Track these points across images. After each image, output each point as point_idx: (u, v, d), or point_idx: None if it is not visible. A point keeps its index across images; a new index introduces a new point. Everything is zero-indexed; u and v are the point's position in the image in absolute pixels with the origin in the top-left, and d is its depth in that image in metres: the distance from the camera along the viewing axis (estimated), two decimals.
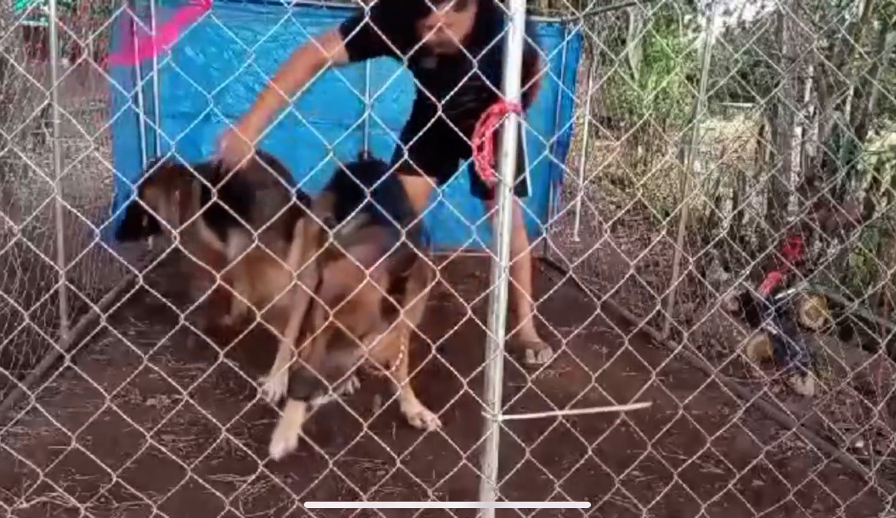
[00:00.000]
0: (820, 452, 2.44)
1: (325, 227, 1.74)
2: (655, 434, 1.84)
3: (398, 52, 1.54)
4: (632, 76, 6.28)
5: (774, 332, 3.16)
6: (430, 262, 1.59)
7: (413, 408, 2.56)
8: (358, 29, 2.11)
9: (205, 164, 3.03)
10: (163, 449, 1.88)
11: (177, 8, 4.10)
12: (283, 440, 2.26)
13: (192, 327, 1.41)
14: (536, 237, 4.44)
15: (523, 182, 2.90)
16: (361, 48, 2.56)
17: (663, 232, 1.72)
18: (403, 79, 3.82)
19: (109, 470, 1.61)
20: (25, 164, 3.54)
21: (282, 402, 2.38)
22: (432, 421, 2.49)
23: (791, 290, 3.29)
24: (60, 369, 2.58)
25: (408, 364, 2.44)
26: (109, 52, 3.79)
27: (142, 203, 2.87)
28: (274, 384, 2.61)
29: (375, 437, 1.96)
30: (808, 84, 4.21)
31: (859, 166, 3.84)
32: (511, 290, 1.36)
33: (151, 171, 2.82)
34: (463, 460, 1.52)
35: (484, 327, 1.35)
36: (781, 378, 3.03)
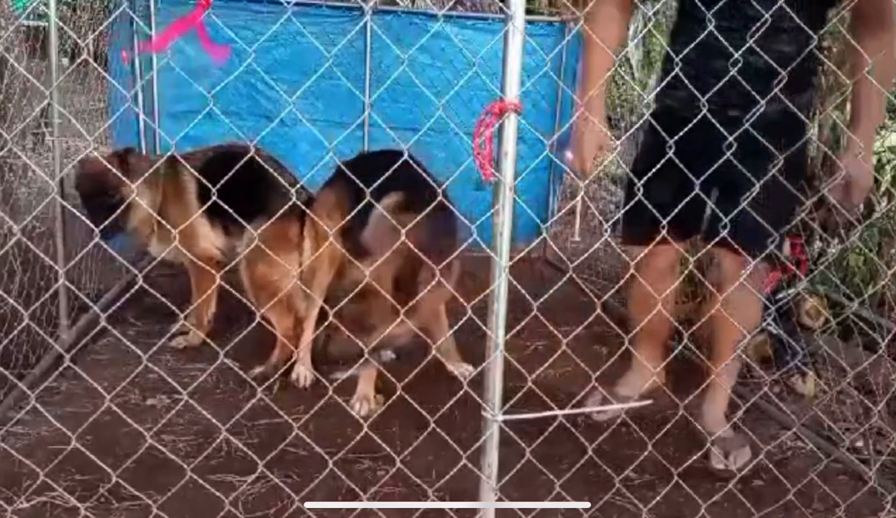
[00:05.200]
0: (820, 452, 2.44)
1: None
2: (655, 434, 1.84)
3: None
4: (632, 76, 6.27)
5: (774, 331, 3.16)
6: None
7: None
8: None
9: (191, 153, 3.03)
10: (163, 449, 1.88)
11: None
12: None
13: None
14: (536, 237, 4.45)
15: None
16: None
17: (664, 232, 1.72)
18: (404, 79, 3.86)
19: (109, 470, 1.61)
20: (25, 164, 3.54)
21: None
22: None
23: (791, 290, 3.28)
24: (60, 369, 2.58)
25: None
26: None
27: (142, 203, 2.87)
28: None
29: (376, 437, 1.97)
30: None
31: None
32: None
33: (154, 166, 2.81)
34: (463, 460, 1.52)
35: (484, 327, 1.35)
36: (781, 378, 3.03)
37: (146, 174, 2.74)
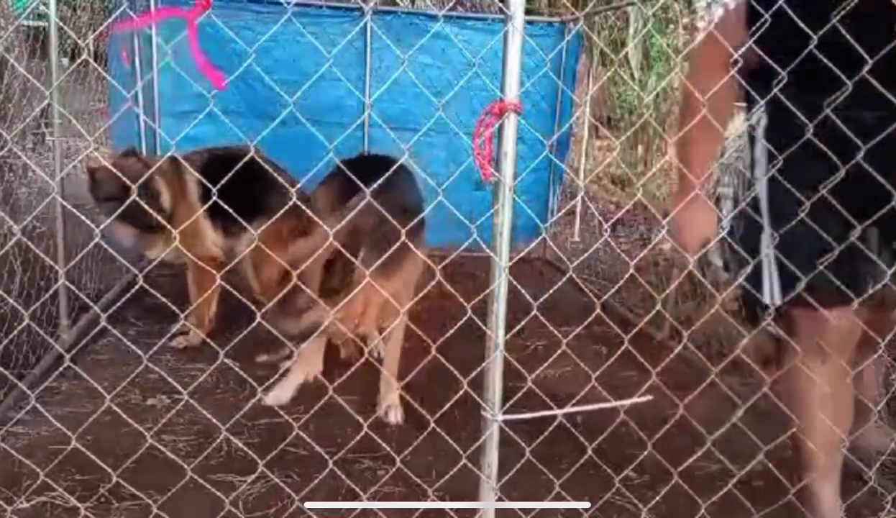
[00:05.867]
0: None
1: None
2: (655, 434, 1.84)
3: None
4: (632, 76, 6.28)
5: (774, 332, 3.15)
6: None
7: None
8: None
9: (192, 155, 3.04)
10: (163, 449, 1.88)
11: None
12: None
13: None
14: (536, 237, 4.45)
15: None
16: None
17: (663, 232, 1.73)
18: (404, 79, 3.86)
19: (109, 470, 1.61)
20: (25, 164, 3.54)
21: None
22: (395, 419, 2.58)
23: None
24: (60, 369, 2.58)
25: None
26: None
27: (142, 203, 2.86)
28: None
29: (375, 437, 1.97)
30: None
31: None
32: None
33: (155, 166, 2.81)
34: (463, 460, 1.52)
35: (484, 327, 1.35)
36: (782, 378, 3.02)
37: (163, 173, 2.77)
